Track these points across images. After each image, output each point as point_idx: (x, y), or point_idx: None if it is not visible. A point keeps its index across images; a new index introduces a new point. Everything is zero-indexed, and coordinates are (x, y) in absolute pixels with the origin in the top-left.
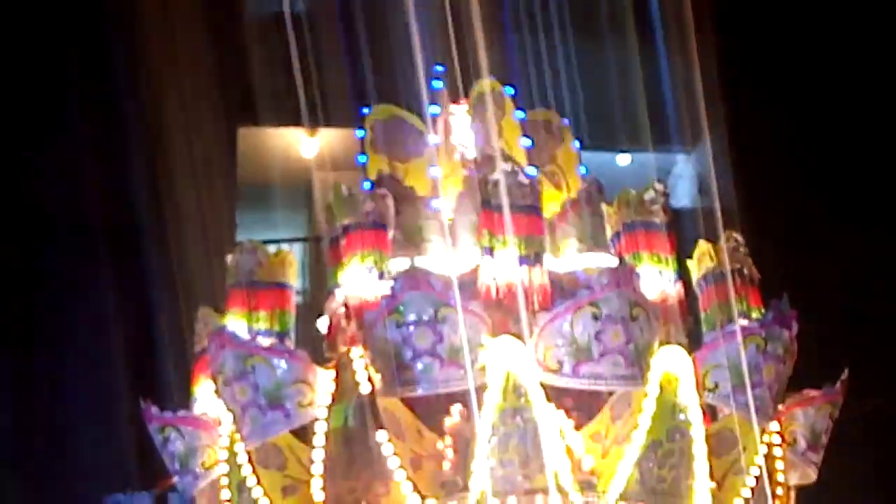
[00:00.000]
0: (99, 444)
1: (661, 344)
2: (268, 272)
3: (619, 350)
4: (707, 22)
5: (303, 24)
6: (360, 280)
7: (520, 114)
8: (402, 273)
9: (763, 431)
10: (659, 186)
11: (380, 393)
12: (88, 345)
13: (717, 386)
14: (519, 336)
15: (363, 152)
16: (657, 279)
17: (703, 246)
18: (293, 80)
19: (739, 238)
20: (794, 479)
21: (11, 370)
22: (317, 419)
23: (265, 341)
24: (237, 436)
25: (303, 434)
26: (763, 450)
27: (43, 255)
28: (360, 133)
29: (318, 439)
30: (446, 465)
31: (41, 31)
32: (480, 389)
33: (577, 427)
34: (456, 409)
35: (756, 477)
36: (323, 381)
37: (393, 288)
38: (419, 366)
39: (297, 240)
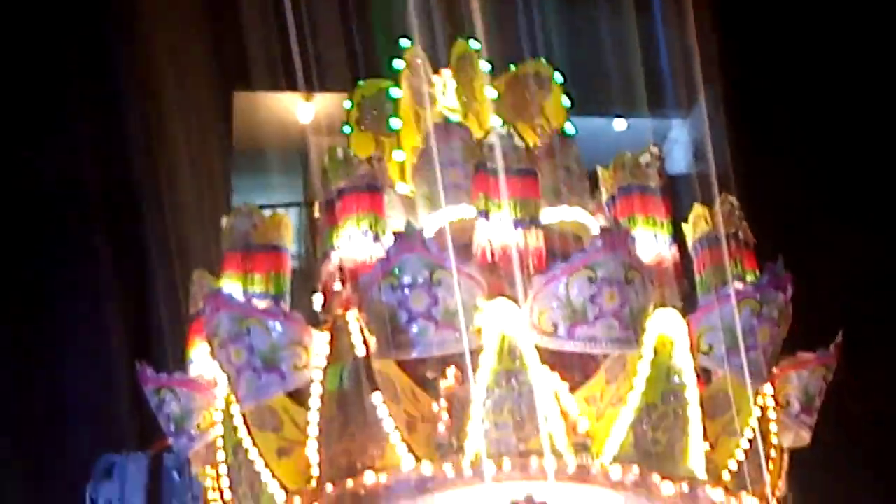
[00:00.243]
0: (94, 406)
1: (656, 307)
2: (263, 235)
3: (614, 313)
4: None
5: None
6: (355, 243)
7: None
8: (397, 235)
9: (757, 394)
10: (654, 150)
11: (375, 355)
12: (85, 308)
13: (711, 348)
14: (514, 299)
15: (348, 122)
16: (652, 242)
17: (698, 209)
18: (288, 45)
19: (735, 201)
20: (788, 442)
21: (9, 334)
22: (312, 381)
23: (260, 304)
24: (232, 398)
25: (298, 396)
26: (757, 412)
27: (39, 220)
28: (347, 104)
29: (314, 401)
30: (441, 428)
31: None
32: (475, 352)
33: (572, 390)
34: (451, 371)
35: (750, 439)
36: (318, 343)
37: (388, 251)
38: (414, 328)
39: (293, 204)
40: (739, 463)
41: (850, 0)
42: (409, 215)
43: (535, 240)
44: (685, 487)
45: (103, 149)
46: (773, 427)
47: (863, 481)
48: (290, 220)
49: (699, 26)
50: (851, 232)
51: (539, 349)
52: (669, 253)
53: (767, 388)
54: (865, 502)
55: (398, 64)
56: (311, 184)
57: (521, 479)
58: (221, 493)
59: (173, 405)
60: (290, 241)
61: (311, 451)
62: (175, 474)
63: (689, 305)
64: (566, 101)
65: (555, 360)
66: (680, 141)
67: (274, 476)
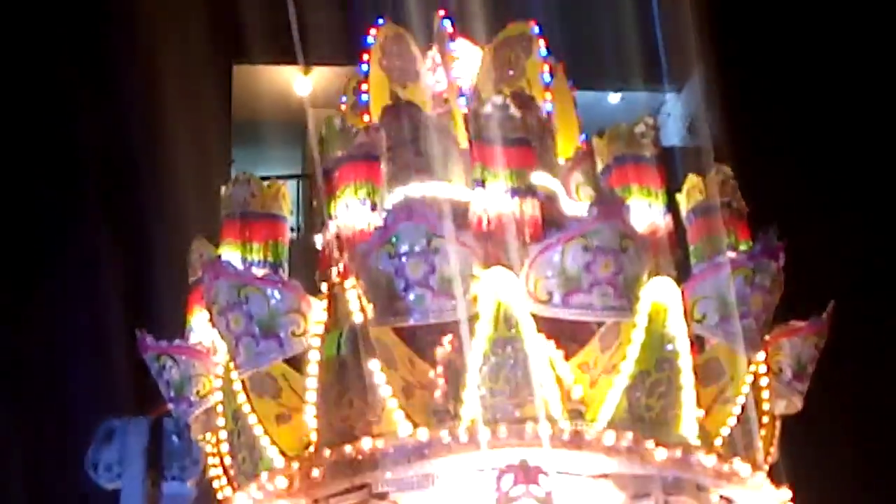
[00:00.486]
0: (94, 372)
1: (651, 275)
2: (261, 203)
3: (608, 281)
4: None
5: None
6: (352, 211)
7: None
8: (394, 204)
9: (750, 361)
10: (649, 120)
11: (372, 323)
12: (86, 276)
13: (704, 317)
14: (510, 267)
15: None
16: (647, 212)
17: (692, 179)
18: (288, 19)
19: (728, 171)
20: (780, 408)
21: (10, 301)
22: (310, 348)
23: (259, 271)
24: (231, 364)
25: (297, 363)
26: (749, 379)
27: (40, 190)
28: (369, 40)
29: (312, 368)
30: (437, 394)
31: None
32: (472, 319)
33: (567, 357)
34: (447, 338)
35: (742, 406)
36: (316, 310)
37: (385, 219)
38: (411, 296)
39: (292, 176)
40: (732, 429)
41: None
42: None
43: (531, 209)
44: (678, 453)
45: (104, 120)
46: (765, 394)
47: (852, 448)
48: (287, 190)
49: (693, 1)
50: (844, 202)
51: (534, 317)
52: (664, 222)
53: (760, 356)
54: (855, 470)
55: (370, 40)
56: (309, 156)
57: (516, 446)
58: (221, 458)
59: (173, 372)
60: (288, 210)
61: (309, 417)
62: (175, 438)
63: (682, 274)
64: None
65: (550, 327)
66: (673, 114)
67: (272, 442)
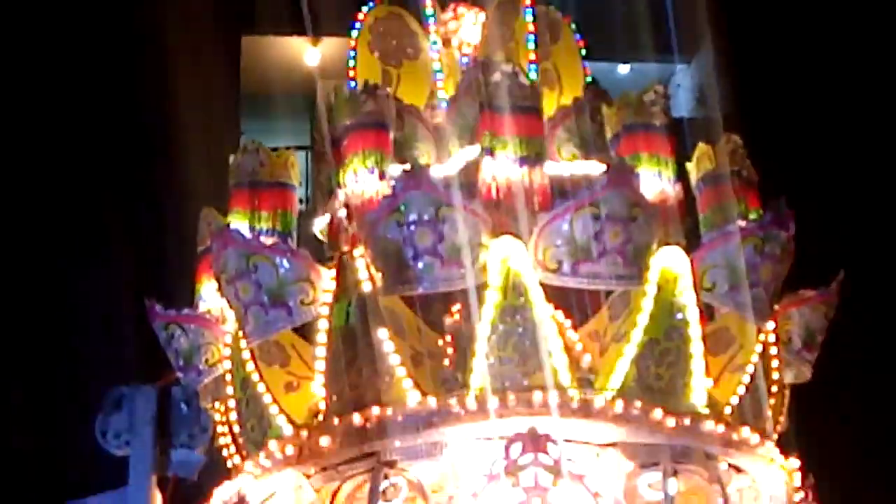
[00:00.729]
0: (104, 341)
1: (660, 244)
2: (269, 172)
3: (617, 250)
4: None
5: None
6: (361, 180)
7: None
8: (403, 173)
9: (759, 330)
10: (659, 88)
11: (381, 291)
12: (96, 245)
13: (714, 285)
14: (519, 236)
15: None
16: (656, 180)
17: (702, 148)
18: None
19: (738, 140)
20: (789, 377)
21: (20, 270)
22: (319, 317)
23: (267, 240)
24: (240, 333)
25: (305, 332)
26: (759, 348)
27: (51, 161)
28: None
29: (320, 337)
30: (446, 363)
31: None
32: (480, 288)
33: (576, 326)
34: (456, 307)
35: (752, 375)
36: (325, 279)
37: (394, 188)
38: (420, 265)
39: (300, 148)
40: (741, 398)
41: None
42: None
43: (540, 177)
44: (687, 422)
45: (115, 92)
46: (774, 363)
47: (860, 417)
48: (296, 159)
49: None
50: (854, 170)
51: (543, 286)
52: (673, 190)
53: (769, 325)
54: (863, 439)
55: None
56: (318, 127)
57: (525, 414)
58: (230, 426)
59: (182, 340)
60: (297, 179)
61: (318, 385)
62: (183, 406)
63: (692, 243)
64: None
65: (559, 296)
66: (683, 86)
67: (281, 410)
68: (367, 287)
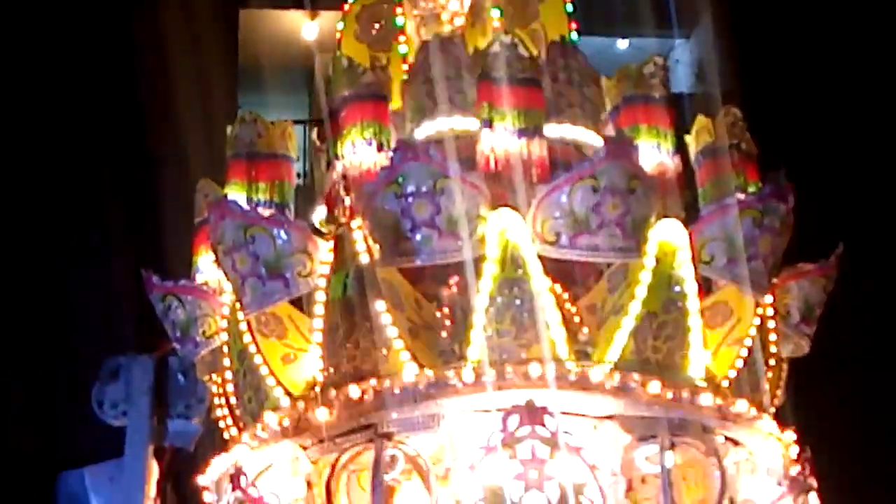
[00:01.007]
0: (100, 310)
1: (659, 217)
2: (267, 143)
3: (616, 222)
4: None
5: None
6: (359, 151)
7: None
8: (401, 144)
9: (757, 304)
10: (658, 60)
11: (378, 263)
12: (92, 216)
13: (712, 258)
14: (517, 208)
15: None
16: (655, 152)
17: (701, 121)
18: None
19: (738, 113)
20: (788, 351)
21: (17, 241)
22: (316, 289)
23: (265, 212)
24: (237, 305)
25: (302, 304)
26: (757, 322)
27: (49, 131)
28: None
29: (318, 309)
30: (444, 335)
31: None
32: (478, 260)
33: (574, 298)
34: (454, 279)
35: (749, 348)
36: (322, 251)
37: (392, 159)
38: (418, 237)
39: (298, 122)
40: (739, 372)
41: None
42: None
43: (539, 149)
44: (685, 395)
45: (112, 65)
46: (772, 337)
47: (859, 392)
48: (294, 131)
49: None
50: (854, 144)
51: (541, 258)
52: (672, 163)
53: (768, 299)
54: (861, 413)
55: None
56: (316, 102)
57: (522, 387)
58: (227, 398)
59: (179, 312)
60: (294, 151)
61: (315, 357)
62: (180, 377)
63: (691, 216)
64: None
65: (557, 268)
66: (682, 61)
67: (278, 382)
68: (364, 259)
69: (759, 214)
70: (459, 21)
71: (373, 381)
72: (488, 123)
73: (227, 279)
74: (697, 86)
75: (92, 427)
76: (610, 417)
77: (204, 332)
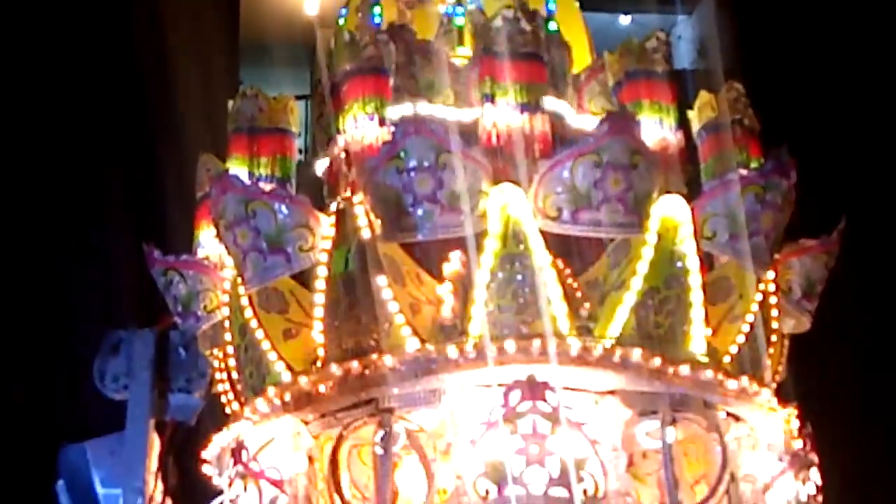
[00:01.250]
0: (101, 285)
1: (661, 192)
2: (269, 118)
3: (618, 197)
4: None
5: None
6: (360, 126)
7: None
8: (403, 119)
9: (759, 279)
10: (661, 35)
11: (380, 238)
12: (95, 191)
13: (714, 234)
14: (519, 183)
15: None
16: (657, 128)
17: (704, 96)
18: None
19: (740, 88)
20: (789, 327)
21: (21, 215)
22: (318, 264)
23: (266, 186)
24: (239, 279)
25: (304, 279)
26: (759, 297)
27: (52, 110)
28: None
29: (319, 284)
30: (445, 310)
31: None
32: (480, 235)
33: (576, 274)
34: (455, 254)
35: (751, 324)
36: (324, 226)
37: (394, 134)
38: (419, 212)
39: (300, 97)
40: (740, 347)
41: None
42: None
43: (541, 124)
44: (686, 371)
45: (115, 41)
46: (774, 312)
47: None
48: (295, 105)
49: None
50: (856, 119)
51: (543, 233)
52: (674, 138)
53: (769, 274)
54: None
55: None
56: (318, 77)
57: (523, 362)
58: (228, 372)
59: (180, 286)
60: (296, 125)
61: (317, 332)
62: (181, 351)
63: (693, 191)
64: None
65: (559, 244)
66: (684, 37)
67: (280, 357)
68: (366, 234)
69: (762, 190)
70: None
71: (374, 357)
72: (490, 98)
73: (229, 254)
74: (700, 62)
75: (93, 401)
76: (611, 393)
77: (205, 307)
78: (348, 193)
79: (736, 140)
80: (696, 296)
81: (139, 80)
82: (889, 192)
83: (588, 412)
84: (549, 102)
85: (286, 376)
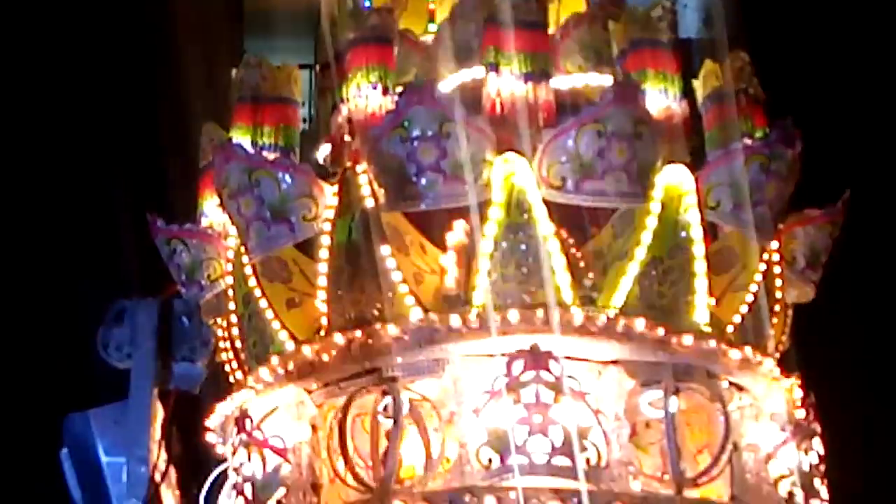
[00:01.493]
0: (104, 254)
1: (665, 162)
2: (272, 87)
3: (622, 167)
4: None
5: None
6: (364, 95)
7: None
8: (407, 88)
9: (763, 249)
10: (666, 3)
11: (383, 208)
12: (98, 159)
13: (719, 204)
14: (523, 152)
15: None
16: (662, 97)
17: (709, 65)
18: None
19: (746, 57)
20: (793, 297)
21: (24, 183)
22: (321, 233)
23: (270, 155)
24: (242, 249)
25: (307, 248)
26: (762, 267)
27: (56, 77)
28: None
29: (323, 253)
30: (449, 280)
31: None
32: (484, 205)
33: (579, 244)
34: (459, 224)
35: (755, 294)
36: (327, 195)
37: (398, 103)
38: (423, 181)
39: (304, 66)
40: (743, 317)
41: None
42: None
43: (545, 93)
44: (689, 340)
45: (117, 9)
46: (777, 282)
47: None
48: (299, 74)
49: None
50: (862, 90)
51: (547, 203)
52: (679, 108)
53: (773, 244)
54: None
55: None
56: (321, 46)
57: (526, 332)
58: (232, 342)
59: (184, 256)
60: (299, 94)
61: (320, 302)
62: (185, 320)
63: (697, 161)
64: None
65: (563, 213)
66: (690, 6)
67: (283, 326)
68: (369, 203)
69: (766, 160)
70: None
71: (377, 326)
72: (494, 67)
73: (232, 223)
74: (705, 31)
75: (97, 370)
76: (614, 362)
77: (209, 276)
78: (352, 162)
79: (741, 110)
80: (700, 266)
81: (142, 49)
82: (894, 162)
83: (591, 382)
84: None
85: (289, 345)
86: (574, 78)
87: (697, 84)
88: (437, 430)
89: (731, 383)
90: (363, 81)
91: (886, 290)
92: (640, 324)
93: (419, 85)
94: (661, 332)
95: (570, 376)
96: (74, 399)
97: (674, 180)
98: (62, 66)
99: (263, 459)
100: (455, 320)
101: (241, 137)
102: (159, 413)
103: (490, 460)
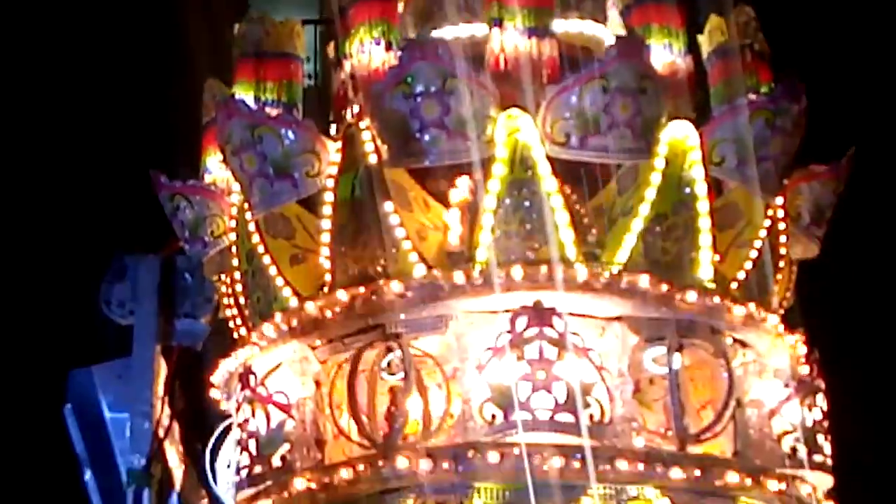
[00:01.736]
0: (107, 210)
1: (670, 117)
2: (275, 42)
3: (626, 123)
4: None
5: None
6: (367, 51)
7: None
8: (410, 43)
9: (767, 205)
10: None
11: (387, 164)
12: (101, 115)
13: (723, 160)
14: (526, 108)
15: None
16: (666, 53)
17: (714, 20)
18: None
19: (751, 12)
20: (797, 253)
21: (27, 141)
22: (324, 189)
23: (273, 111)
24: (245, 205)
25: (311, 204)
26: (767, 223)
27: (60, 34)
28: None
29: (326, 209)
30: (452, 236)
31: None
32: (487, 161)
33: (583, 200)
34: (462, 180)
35: (759, 250)
36: (330, 151)
37: (401, 58)
38: (426, 137)
39: (308, 21)
40: (748, 273)
41: None
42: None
43: (549, 49)
44: (693, 296)
45: None
46: (782, 238)
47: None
48: (301, 28)
49: None
50: (868, 45)
51: (551, 159)
52: (684, 63)
53: (778, 200)
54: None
55: None
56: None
57: (530, 288)
58: (236, 298)
59: (187, 212)
60: (302, 50)
61: (323, 258)
62: (187, 276)
63: (702, 117)
64: None
65: (566, 169)
66: None
67: (287, 282)
68: (372, 159)
69: (771, 115)
70: None
71: (381, 282)
72: (498, 23)
73: (235, 179)
74: None
75: (100, 325)
76: (618, 319)
77: (212, 232)
78: (355, 119)
79: (745, 65)
80: (704, 222)
81: (145, 3)
82: None
83: (594, 338)
84: (573, 24)
85: (293, 302)
86: (570, 23)
87: (702, 39)
88: (440, 387)
89: (734, 339)
90: (366, 37)
91: (890, 247)
92: (643, 280)
93: (422, 40)
94: (664, 288)
95: (573, 332)
96: (78, 355)
97: (678, 136)
98: (65, 23)
99: (267, 415)
100: (459, 277)
101: (243, 93)
102: (162, 369)
103: (493, 416)
